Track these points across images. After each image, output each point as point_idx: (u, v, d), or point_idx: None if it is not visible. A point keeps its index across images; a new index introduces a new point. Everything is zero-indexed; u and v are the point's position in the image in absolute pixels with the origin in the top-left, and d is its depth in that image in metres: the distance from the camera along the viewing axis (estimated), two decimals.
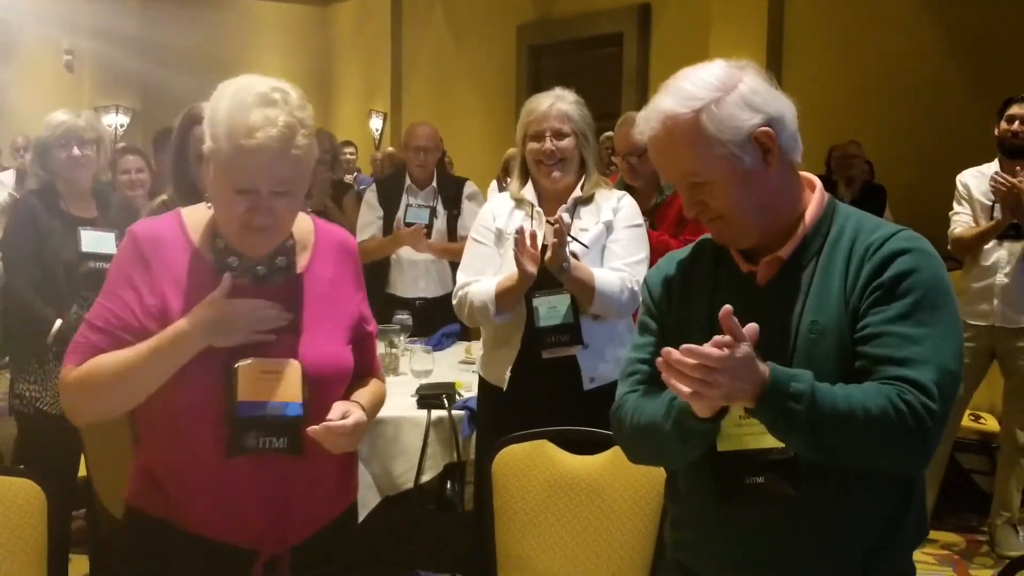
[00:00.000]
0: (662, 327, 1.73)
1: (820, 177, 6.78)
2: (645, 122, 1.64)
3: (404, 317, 4.61)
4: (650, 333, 1.75)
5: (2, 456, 3.91)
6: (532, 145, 2.99)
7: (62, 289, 3.46)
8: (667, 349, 1.41)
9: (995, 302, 4.30)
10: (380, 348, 4.07)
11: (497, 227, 3.04)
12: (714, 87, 1.58)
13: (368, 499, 3.43)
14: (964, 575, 4.22)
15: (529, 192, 3.05)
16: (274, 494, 1.76)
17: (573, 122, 2.98)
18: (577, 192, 3.02)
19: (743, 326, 1.43)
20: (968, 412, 4.62)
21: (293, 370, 1.73)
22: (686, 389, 1.40)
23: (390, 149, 10.96)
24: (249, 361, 1.70)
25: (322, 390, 1.76)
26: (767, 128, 1.58)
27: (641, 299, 1.86)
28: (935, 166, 5.10)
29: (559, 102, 3.00)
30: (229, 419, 1.68)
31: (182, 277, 1.76)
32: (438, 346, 4.42)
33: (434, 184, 4.84)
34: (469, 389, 3.57)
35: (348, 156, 8.79)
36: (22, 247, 3.53)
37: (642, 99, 10.12)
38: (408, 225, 4.65)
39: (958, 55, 7.64)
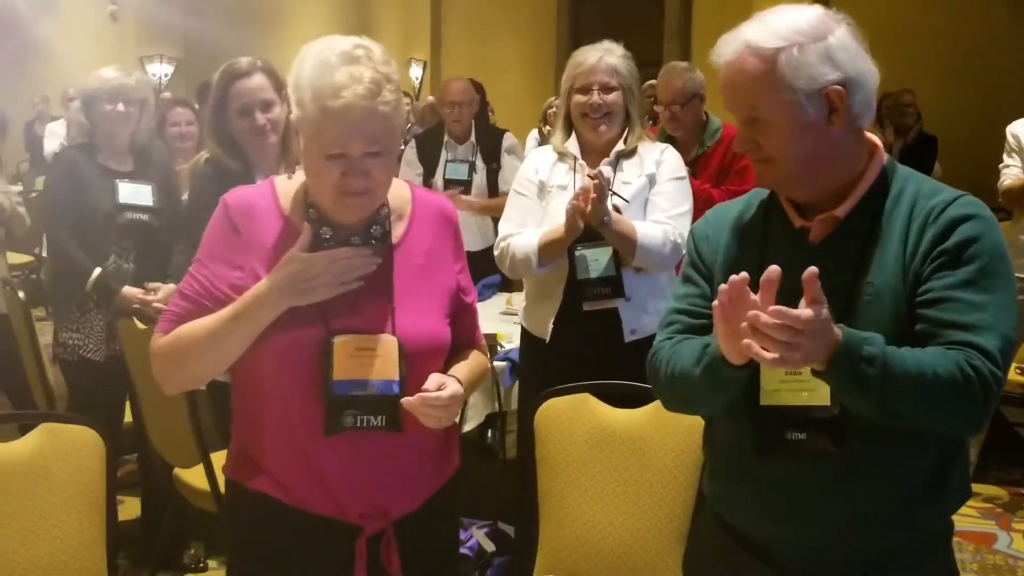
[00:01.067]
0: (707, 280, 1.71)
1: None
2: (724, 45, 1.60)
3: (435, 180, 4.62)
4: (693, 284, 1.72)
5: (57, 403, 3.98)
6: (578, 98, 2.95)
7: (100, 239, 3.50)
8: (755, 313, 1.36)
9: None
10: None
11: (540, 180, 3.02)
12: (803, 32, 1.54)
13: None
14: (1007, 528, 4.17)
15: (572, 145, 3.02)
16: (375, 470, 1.70)
17: (621, 76, 2.94)
18: (620, 146, 2.99)
19: (792, 283, 1.40)
20: (1014, 366, 4.56)
21: (389, 346, 1.68)
22: (769, 355, 1.35)
23: (431, 99, 10.91)
24: (345, 338, 1.66)
25: (419, 365, 1.70)
26: (841, 87, 1.54)
27: (686, 250, 1.83)
28: (986, 117, 5.00)
29: (608, 55, 2.95)
30: (326, 398, 1.64)
31: (272, 249, 1.71)
32: (479, 297, 4.41)
33: (472, 139, 4.82)
34: (510, 340, 3.57)
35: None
36: (62, 199, 3.56)
37: (684, 49, 10.14)
38: (447, 182, 4.65)
39: (1016, 6, 7.46)
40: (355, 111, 1.59)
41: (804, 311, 1.35)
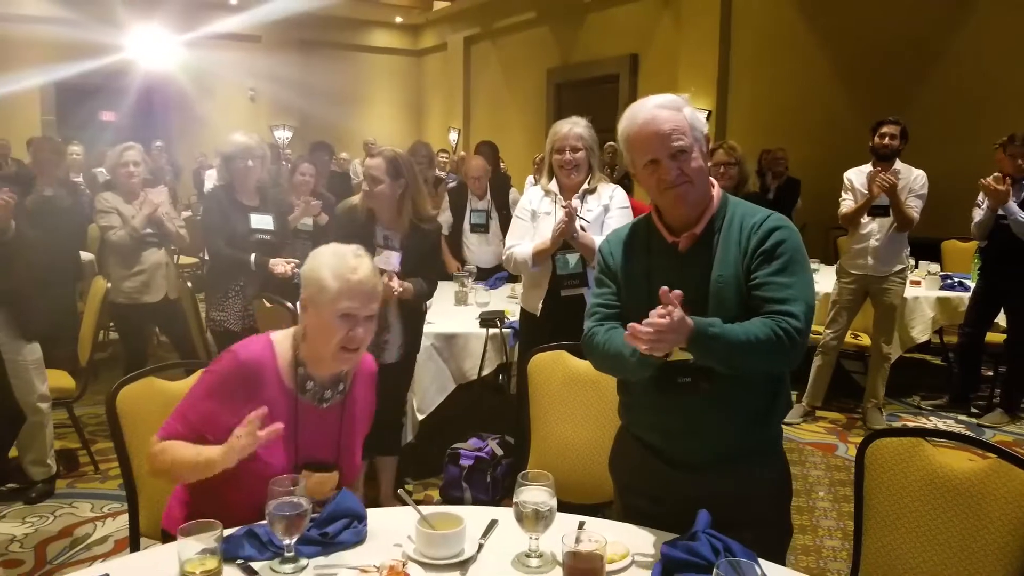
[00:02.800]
0: (614, 282, 1.71)
1: (754, 171, 6.55)
2: (638, 112, 1.58)
3: (471, 267, 4.63)
4: (605, 286, 1.73)
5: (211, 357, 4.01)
6: (556, 156, 2.96)
7: (240, 248, 3.54)
8: (632, 324, 1.42)
9: (868, 258, 4.22)
10: (455, 286, 4.14)
11: (532, 209, 3.04)
12: (683, 102, 1.60)
13: (447, 386, 3.50)
14: (845, 440, 4.19)
15: (554, 186, 3.02)
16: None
17: (584, 140, 2.94)
18: (585, 186, 2.98)
19: (671, 283, 1.47)
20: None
21: (334, 480, 1.66)
22: (644, 347, 1.43)
23: (463, 154, 10.92)
24: (310, 473, 1.60)
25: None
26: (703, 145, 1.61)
27: (597, 261, 1.83)
28: (834, 165, 4.99)
29: (575, 127, 2.96)
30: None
31: (267, 400, 1.59)
32: (493, 286, 4.43)
33: (488, 196, 4.81)
34: (514, 315, 3.58)
35: (442, 159, 8.73)
36: (215, 220, 3.60)
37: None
38: (472, 225, 4.71)
39: (845, 90, 7.52)
40: (367, 283, 1.62)
41: (662, 319, 1.41)
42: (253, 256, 3.52)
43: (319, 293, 1.61)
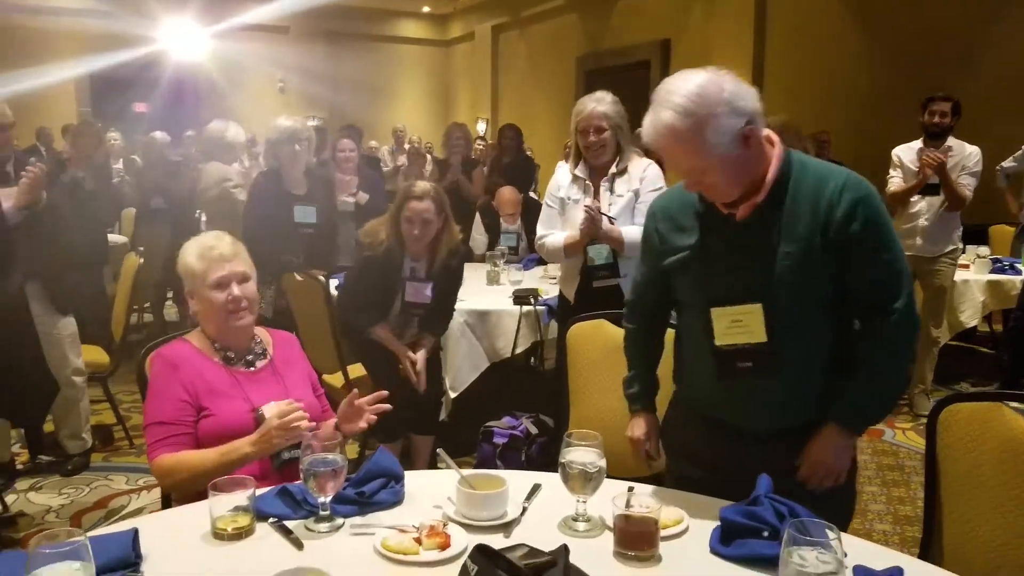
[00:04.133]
0: (656, 262, 1.61)
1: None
2: (652, 131, 1.40)
3: (502, 248, 4.56)
4: (646, 268, 1.67)
5: None
6: (581, 138, 2.81)
7: (282, 240, 3.48)
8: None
9: (917, 239, 4.06)
10: (487, 266, 4.07)
11: (560, 196, 2.94)
12: (707, 103, 1.35)
13: (480, 364, 3.43)
14: (891, 426, 4.05)
15: (581, 170, 2.87)
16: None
17: (609, 118, 2.77)
18: (613, 169, 2.83)
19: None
20: None
21: (297, 406, 1.66)
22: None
23: (491, 141, 10.89)
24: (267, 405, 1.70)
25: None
26: (751, 126, 1.40)
27: (641, 237, 1.69)
28: (872, 149, 4.83)
29: (599, 104, 2.80)
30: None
31: (205, 376, 1.70)
32: (526, 267, 4.37)
33: (519, 222, 4.76)
34: (547, 294, 3.52)
35: (478, 146, 8.65)
36: (260, 211, 3.57)
37: None
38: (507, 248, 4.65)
39: (887, 74, 7.31)
40: (227, 252, 1.76)
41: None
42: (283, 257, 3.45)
43: (192, 278, 1.76)
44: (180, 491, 1.66)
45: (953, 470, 1.53)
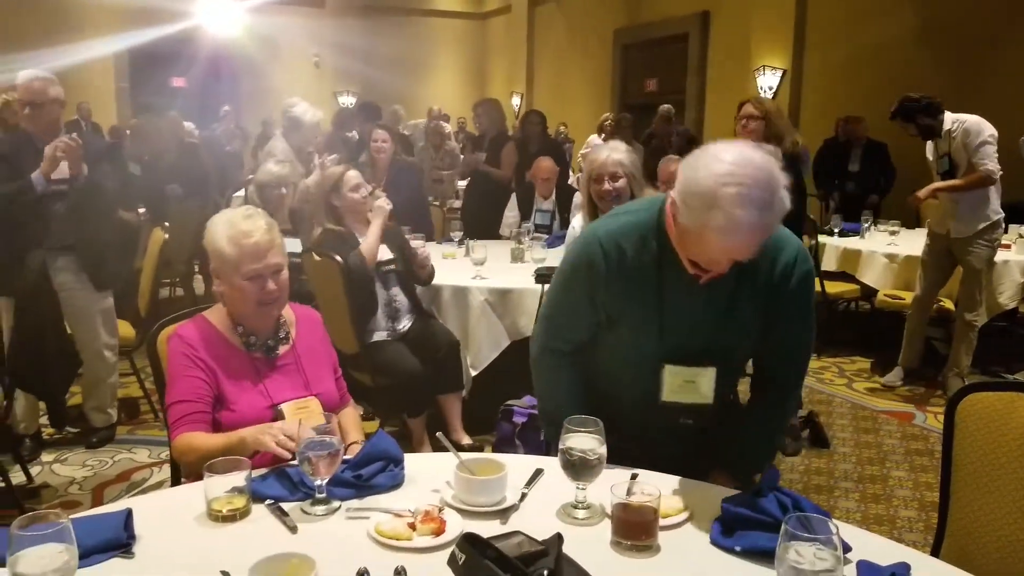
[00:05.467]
0: (595, 298, 1.55)
1: (828, 139, 6.35)
2: (747, 236, 1.31)
3: (528, 224, 4.51)
4: (584, 305, 1.57)
5: None
6: (595, 186, 2.78)
7: None
8: None
9: (948, 219, 3.92)
10: (511, 244, 4.02)
11: None
12: (779, 193, 1.30)
13: (501, 342, 3.40)
14: (923, 409, 3.93)
15: None
16: None
17: (624, 166, 2.74)
18: None
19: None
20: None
21: (315, 405, 1.66)
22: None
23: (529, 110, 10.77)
24: (287, 404, 1.65)
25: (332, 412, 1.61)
26: None
27: (579, 260, 1.58)
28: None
29: (613, 152, 2.77)
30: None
31: (223, 360, 1.65)
32: (552, 245, 4.31)
33: (553, 197, 4.70)
34: None
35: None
36: None
37: (701, 81, 9.65)
38: (536, 225, 4.57)
39: (927, 49, 7.01)
40: (262, 243, 1.64)
41: None
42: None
43: (222, 263, 1.66)
44: (192, 471, 1.65)
45: (971, 461, 1.45)
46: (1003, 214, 3.89)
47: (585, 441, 1.34)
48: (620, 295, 1.51)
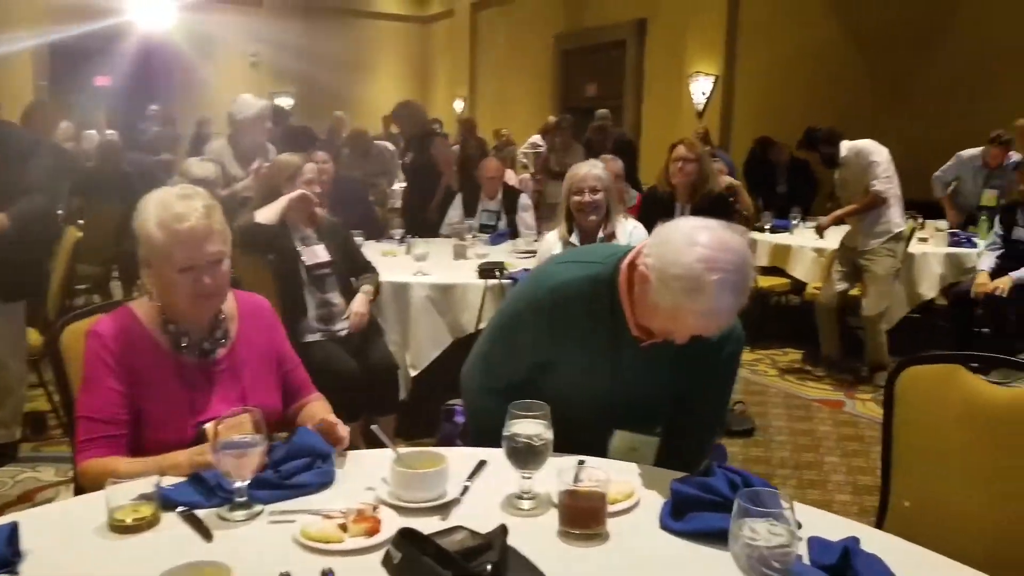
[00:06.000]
0: (538, 347, 1.52)
1: (749, 157, 6.54)
2: (724, 319, 1.33)
3: (471, 222, 4.43)
4: (521, 351, 1.55)
5: None
6: (575, 198, 2.95)
7: None
8: None
9: (853, 233, 4.18)
10: (453, 241, 3.92)
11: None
12: (752, 274, 1.33)
13: (443, 340, 3.30)
14: (852, 397, 4.03)
15: (574, 237, 2.99)
16: None
17: (602, 181, 2.96)
18: (601, 234, 2.96)
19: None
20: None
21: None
22: None
23: (468, 117, 10.70)
24: (210, 424, 1.30)
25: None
26: None
27: (522, 305, 1.56)
28: (843, 130, 4.73)
29: (593, 168, 2.99)
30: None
31: (145, 366, 1.43)
32: (494, 242, 4.24)
33: (499, 197, 4.68)
34: (514, 267, 3.41)
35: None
36: None
37: (638, 86, 9.75)
38: (481, 225, 4.56)
39: (857, 55, 7.26)
40: (198, 230, 1.40)
41: None
42: None
43: (151, 251, 1.42)
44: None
45: (911, 434, 1.44)
46: (904, 226, 4.09)
47: (530, 427, 1.26)
48: (564, 345, 1.49)
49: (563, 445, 1.28)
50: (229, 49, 11.86)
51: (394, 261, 3.72)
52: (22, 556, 1.06)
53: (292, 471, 1.29)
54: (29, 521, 1.12)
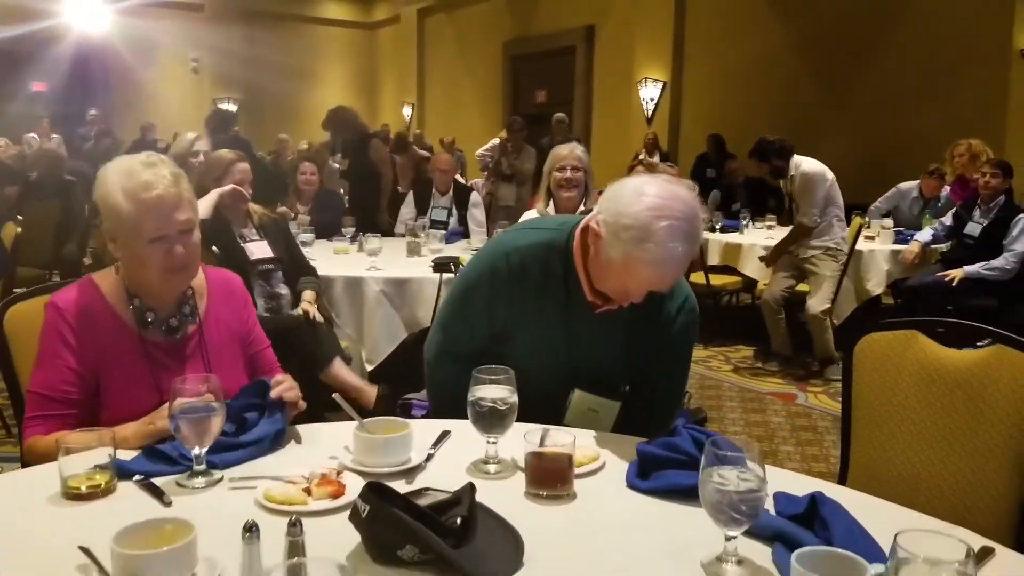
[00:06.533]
0: (493, 311, 1.53)
1: (700, 155, 6.75)
2: (675, 267, 1.35)
3: (424, 220, 4.43)
4: (478, 316, 1.55)
5: None
6: (557, 174, 3.12)
7: None
8: None
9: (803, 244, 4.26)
10: (407, 239, 3.91)
11: None
12: (701, 225, 1.35)
13: (398, 334, 3.27)
14: (804, 390, 4.13)
15: (551, 210, 3.13)
16: None
17: (582, 161, 3.14)
18: (581, 208, 3.10)
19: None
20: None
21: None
22: None
23: (418, 131, 10.69)
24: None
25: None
26: None
27: (476, 271, 1.57)
28: (789, 135, 4.89)
29: (575, 149, 3.19)
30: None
31: (107, 344, 1.37)
32: (449, 240, 4.24)
33: (451, 193, 4.74)
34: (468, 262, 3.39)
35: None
36: None
37: (588, 93, 9.89)
38: (432, 221, 4.59)
39: (803, 60, 7.49)
40: (167, 198, 1.34)
41: None
42: None
43: (117, 223, 1.35)
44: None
45: (871, 398, 1.48)
46: (845, 247, 4.22)
47: (495, 391, 1.26)
48: (520, 311, 1.49)
49: (524, 414, 1.28)
50: (169, 54, 11.61)
51: (347, 258, 3.69)
52: None
53: (248, 425, 1.27)
54: None
